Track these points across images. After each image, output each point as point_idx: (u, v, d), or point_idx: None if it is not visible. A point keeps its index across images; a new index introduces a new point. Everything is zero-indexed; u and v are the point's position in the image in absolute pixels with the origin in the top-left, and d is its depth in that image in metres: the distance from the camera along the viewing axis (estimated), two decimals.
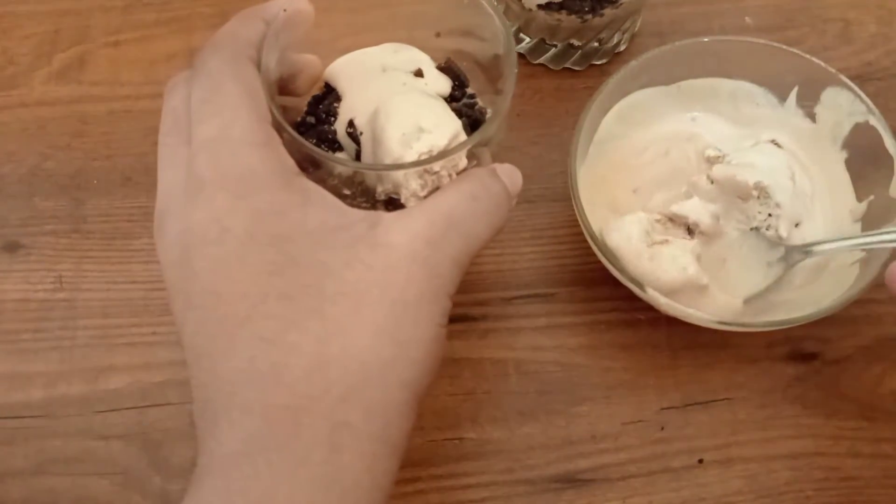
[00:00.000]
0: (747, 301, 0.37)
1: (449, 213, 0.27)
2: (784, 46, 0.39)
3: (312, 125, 0.32)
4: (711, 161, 0.38)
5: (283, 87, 0.32)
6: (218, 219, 0.26)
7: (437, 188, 0.29)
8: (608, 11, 0.42)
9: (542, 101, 0.45)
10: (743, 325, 0.34)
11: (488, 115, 0.32)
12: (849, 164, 0.39)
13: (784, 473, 0.37)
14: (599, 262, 0.36)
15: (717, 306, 0.36)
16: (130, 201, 0.42)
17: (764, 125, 0.40)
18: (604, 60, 0.46)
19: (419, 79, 0.33)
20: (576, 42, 0.45)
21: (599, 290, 0.40)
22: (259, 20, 0.30)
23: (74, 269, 0.41)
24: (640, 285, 0.34)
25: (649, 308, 0.36)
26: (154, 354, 0.39)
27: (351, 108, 0.32)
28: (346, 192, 0.30)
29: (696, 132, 0.40)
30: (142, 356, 0.39)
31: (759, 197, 0.37)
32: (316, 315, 0.25)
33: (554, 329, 0.39)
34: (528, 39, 0.46)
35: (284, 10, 0.30)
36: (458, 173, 0.30)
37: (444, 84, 0.33)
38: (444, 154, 0.29)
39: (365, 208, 0.29)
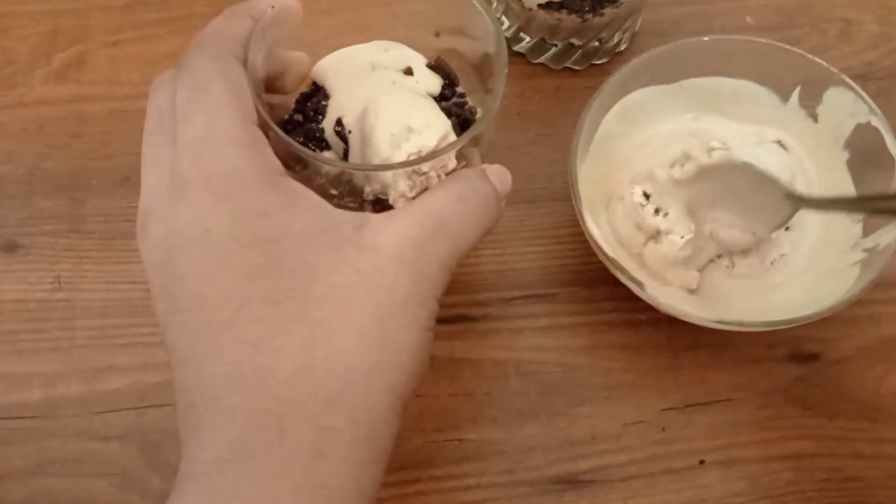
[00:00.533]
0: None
1: (437, 214, 0.27)
2: (786, 46, 0.39)
3: (300, 123, 0.32)
4: (713, 150, 0.38)
5: (270, 85, 0.32)
6: (201, 220, 0.25)
7: (425, 189, 0.29)
8: (609, 11, 0.42)
9: (543, 101, 0.45)
10: (742, 324, 0.34)
11: (478, 115, 0.32)
12: (850, 164, 0.39)
13: (785, 474, 0.37)
14: (600, 262, 0.36)
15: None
16: (129, 201, 0.42)
17: (766, 125, 0.40)
18: (604, 60, 0.46)
19: (409, 77, 0.32)
20: (576, 41, 0.45)
21: (600, 290, 0.39)
22: (246, 17, 0.30)
23: (73, 270, 0.41)
24: (640, 284, 0.34)
25: (650, 308, 0.36)
26: (153, 355, 0.39)
27: (339, 107, 0.31)
28: (333, 191, 0.30)
29: (701, 128, 0.40)
30: (141, 357, 0.39)
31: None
32: (301, 318, 0.25)
33: (554, 329, 0.39)
34: (528, 39, 0.45)
35: (272, 7, 0.30)
36: (447, 174, 0.29)
37: (435, 83, 0.33)
38: (432, 155, 0.28)
39: (352, 208, 0.28)
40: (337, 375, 0.24)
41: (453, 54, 0.33)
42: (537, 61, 0.46)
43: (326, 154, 0.31)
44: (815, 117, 0.40)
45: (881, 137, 0.37)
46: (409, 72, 0.32)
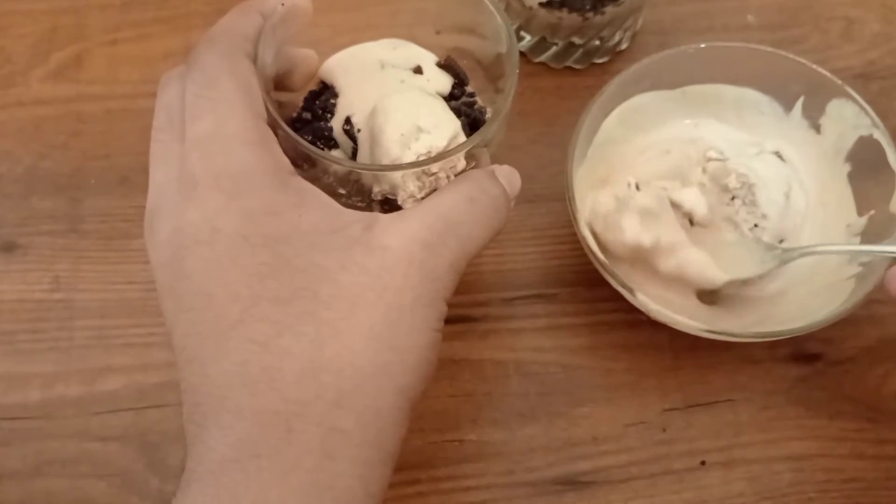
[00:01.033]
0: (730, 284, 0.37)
1: (446, 215, 0.27)
2: (791, 56, 0.39)
3: (308, 121, 0.32)
4: (711, 160, 0.38)
5: (279, 83, 0.31)
6: (210, 219, 0.25)
7: (434, 189, 0.29)
8: (609, 9, 0.42)
9: (543, 100, 0.45)
10: (734, 335, 0.34)
11: (488, 115, 0.32)
12: (851, 177, 0.39)
13: (787, 475, 0.36)
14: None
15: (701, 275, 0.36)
16: (128, 201, 0.42)
17: (768, 134, 0.40)
18: (605, 59, 0.46)
19: (418, 76, 0.32)
20: (577, 40, 0.44)
21: (601, 290, 0.39)
22: (256, 14, 0.29)
23: (72, 270, 0.40)
24: (631, 290, 0.34)
25: None
26: (152, 355, 0.38)
27: (348, 105, 0.31)
28: (342, 190, 0.30)
29: (700, 136, 0.39)
30: (139, 357, 0.38)
31: (742, 196, 0.36)
32: (309, 319, 0.24)
33: (555, 330, 0.39)
34: (528, 37, 0.45)
35: (282, 4, 0.30)
36: (456, 174, 0.29)
37: (445, 82, 0.32)
38: (442, 156, 0.28)
39: (360, 208, 0.28)
40: (345, 376, 0.24)
41: (463, 53, 0.33)
42: (538, 60, 0.46)
43: (335, 153, 0.31)
44: (817, 128, 0.40)
45: (882, 151, 0.37)
46: (418, 70, 0.32)
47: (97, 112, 0.44)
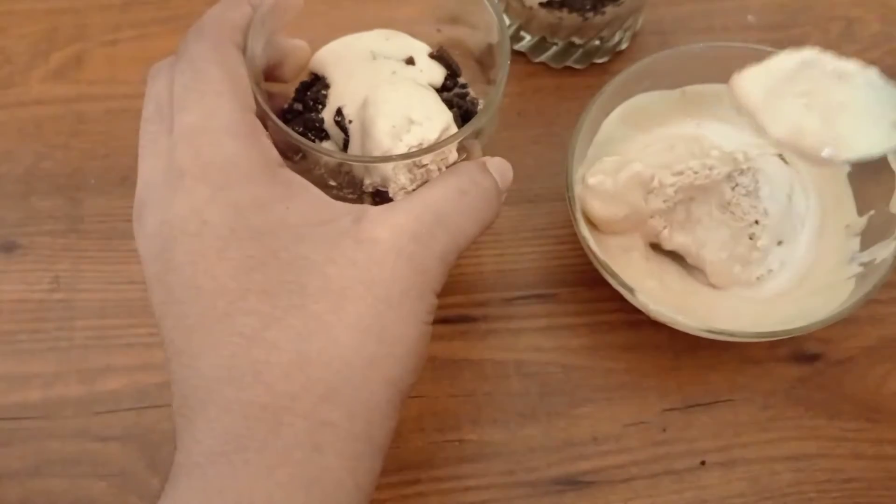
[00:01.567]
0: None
1: (436, 207, 0.27)
2: None
3: (299, 113, 0.32)
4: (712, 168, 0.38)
5: (269, 73, 0.31)
6: (198, 211, 0.25)
7: (426, 181, 0.29)
8: (609, 9, 0.42)
9: (543, 100, 0.45)
10: (733, 334, 0.34)
11: (480, 107, 0.32)
12: (851, 177, 0.39)
13: (787, 475, 0.36)
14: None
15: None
16: (128, 201, 0.41)
17: None
18: (605, 59, 0.46)
19: (410, 67, 0.32)
20: (577, 40, 0.44)
21: (601, 290, 0.39)
22: (245, 4, 0.29)
23: (72, 270, 0.40)
24: (631, 290, 0.34)
25: None
26: (152, 355, 0.38)
27: (339, 96, 0.31)
28: (332, 182, 0.29)
29: (703, 134, 0.39)
30: (139, 357, 0.38)
31: (745, 185, 0.36)
32: (297, 312, 0.24)
33: (555, 330, 0.39)
34: (528, 37, 0.45)
35: None
36: (447, 167, 0.29)
37: (438, 73, 0.32)
38: (433, 147, 0.28)
39: (351, 200, 0.28)
40: (333, 369, 0.24)
41: (455, 44, 0.33)
42: (538, 60, 0.46)
43: (326, 144, 0.31)
44: None
45: None
46: (410, 61, 0.32)
47: (97, 112, 0.44)
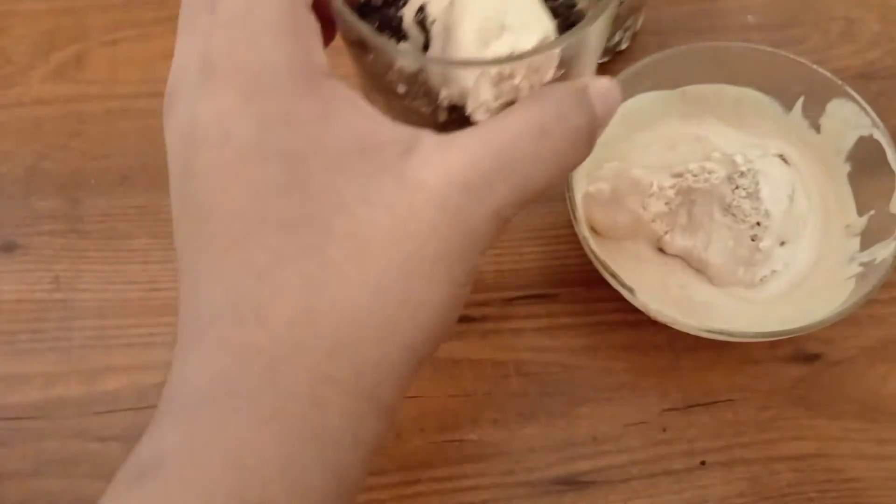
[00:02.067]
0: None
1: (502, 150, 0.22)
2: (791, 56, 0.39)
3: (378, 8, 0.27)
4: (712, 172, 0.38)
5: None
6: (222, 120, 0.22)
7: (512, 102, 0.23)
8: None
9: None
10: (732, 334, 0.34)
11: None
12: (851, 177, 0.39)
13: (787, 475, 0.36)
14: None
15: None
16: (128, 201, 0.42)
17: (768, 134, 0.40)
18: (605, 59, 0.46)
19: None
20: None
21: (601, 290, 0.39)
22: None
23: (71, 270, 0.40)
24: (631, 290, 0.34)
25: None
26: (152, 355, 0.38)
27: None
28: (402, 89, 0.25)
29: (704, 135, 0.39)
30: (139, 357, 0.38)
31: (745, 186, 0.36)
32: (314, 254, 0.21)
33: (555, 330, 0.39)
34: None
35: None
36: (542, 86, 0.23)
37: None
38: (523, 55, 0.22)
39: (424, 114, 0.24)
40: (343, 325, 0.21)
41: None
42: None
43: (402, 46, 0.27)
44: (817, 128, 0.40)
45: (882, 151, 0.37)
46: None
47: (97, 112, 0.44)
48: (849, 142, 0.39)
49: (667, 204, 0.37)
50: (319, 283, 0.21)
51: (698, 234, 0.37)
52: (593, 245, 0.35)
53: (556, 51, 0.23)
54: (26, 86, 0.45)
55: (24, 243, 0.41)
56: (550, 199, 0.42)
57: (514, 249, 0.41)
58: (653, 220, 0.37)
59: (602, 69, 0.46)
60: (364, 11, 0.27)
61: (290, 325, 0.21)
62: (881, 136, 0.37)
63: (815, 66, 0.38)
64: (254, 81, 0.22)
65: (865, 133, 0.38)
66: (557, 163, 0.23)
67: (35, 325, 0.39)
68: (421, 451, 0.37)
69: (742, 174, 0.37)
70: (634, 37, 0.47)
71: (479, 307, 0.40)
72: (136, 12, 0.47)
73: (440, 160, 0.22)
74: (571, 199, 0.36)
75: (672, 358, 0.39)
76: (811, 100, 0.39)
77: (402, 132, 0.22)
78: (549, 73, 0.24)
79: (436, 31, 0.25)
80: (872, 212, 0.38)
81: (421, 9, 0.26)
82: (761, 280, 0.38)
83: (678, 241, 0.37)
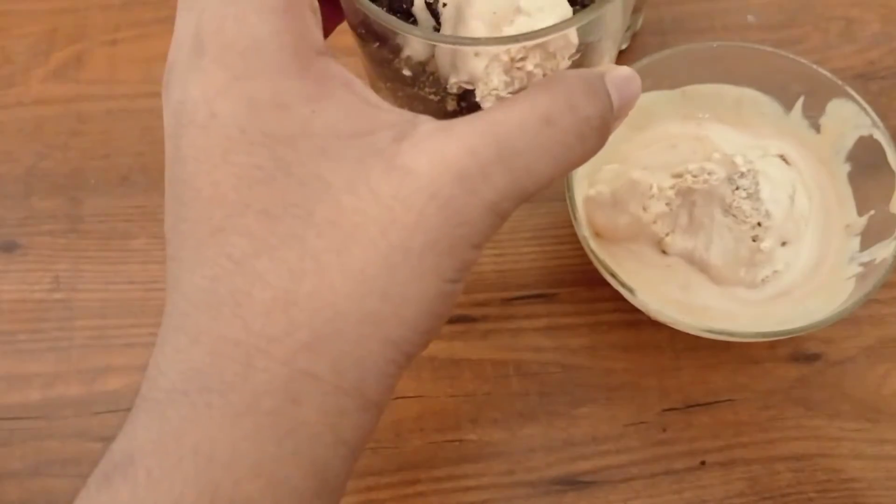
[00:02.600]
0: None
1: (503, 139, 0.20)
2: (791, 56, 0.39)
3: None
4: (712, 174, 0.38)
5: None
6: (209, 100, 0.21)
7: (523, 89, 0.22)
8: None
9: None
10: (732, 334, 0.34)
11: None
12: (851, 177, 0.39)
13: (787, 475, 0.36)
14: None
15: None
16: (128, 201, 0.42)
17: (768, 134, 0.40)
18: None
19: None
20: None
21: (601, 290, 0.39)
22: None
23: (72, 270, 0.40)
24: (631, 290, 0.34)
25: None
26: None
27: None
28: (409, 74, 0.24)
29: (705, 135, 0.39)
30: (140, 357, 0.38)
31: (746, 187, 0.36)
32: (295, 243, 0.20)
33: (555, 330, 0.39)
34: None
35: None
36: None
37: None
38: (533, 35, 0.21)
39: (433, 102, 0.23)
40: (322, 318, 0.20)
41: None
42: None
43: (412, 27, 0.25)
44: (817, 128, 0.40)
45: (882, 151, 0.37)
46: None
47: (97, 112, 0.44)
48: (849, 142, 0.39)
49: (667, 204, 0.37)
50: (297, 274, 0.20)
51: (699, 235, 0.37)
52: (593, 245, 0.35)
53: (573, 31, 0.21)
54: (26, 86, 0.45)
55: (24, 243, 0.41)
56: (550, 199, 0.42)
57: (514, 249, 0.41)
58: (654, 222, 0.37)
59: None
60: None
61: (265, 315, 0.20)
62: (881, 136, 0.37)
63: (815, 66, 0.38)
64: (241, 61, 0.21)
65: (865, 133, 0.38)
66: (563, 156, 0.21)
67: (35, 325, 0.39)
68: (421, 451, 0.37)
69: (742, 175, 0.37)
70: (634, 37, 0.47)
71: (479, 307, 0.40)
72: (136, 12, 0.47)
73: (434, 147, 0.20)
74: (571, 199, 0.36)
75: (672, 358, 0.39)
76: (811, 100, 0.39)
77: (398, 116, 0.21)
78: (565, 60, 0.22)
79: (447, 14, 0.24)
80: (872, 212, 0.38)
81: None
82: (763, 280, 0.38)
83: (679, 242, 0.37)
